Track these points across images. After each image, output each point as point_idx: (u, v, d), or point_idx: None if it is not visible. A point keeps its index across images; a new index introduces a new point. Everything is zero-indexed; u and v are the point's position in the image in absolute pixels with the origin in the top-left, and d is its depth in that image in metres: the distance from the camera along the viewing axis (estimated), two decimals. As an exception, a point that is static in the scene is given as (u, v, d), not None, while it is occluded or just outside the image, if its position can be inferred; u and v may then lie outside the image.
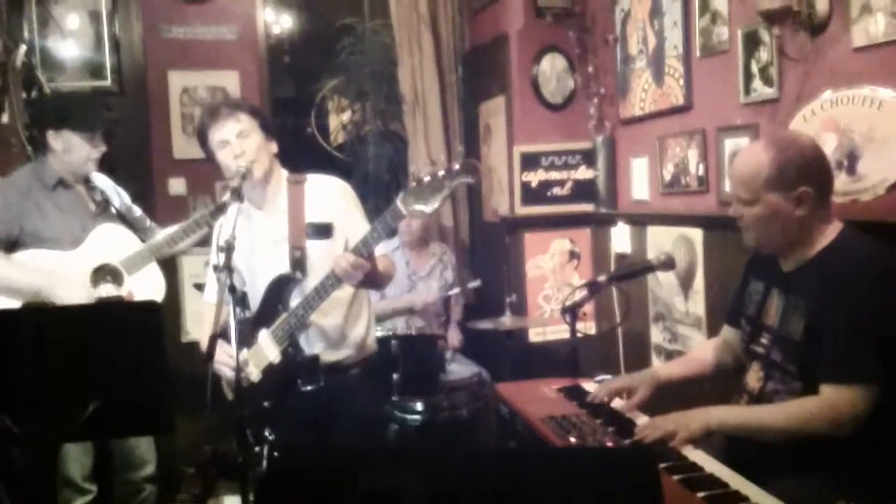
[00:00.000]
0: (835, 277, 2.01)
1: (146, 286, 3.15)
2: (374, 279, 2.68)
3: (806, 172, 2.06)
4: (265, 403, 2.69)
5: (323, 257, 2.65)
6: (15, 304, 2.96)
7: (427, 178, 2.36)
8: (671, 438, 2.04)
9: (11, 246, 3.05)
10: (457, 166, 2.36)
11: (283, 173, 2.80)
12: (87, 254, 3.10)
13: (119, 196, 3.39)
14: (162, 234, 3.27)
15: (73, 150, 3.11)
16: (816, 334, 2.01)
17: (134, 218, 3.40)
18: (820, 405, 1.95)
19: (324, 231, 2.73)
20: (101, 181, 3.33)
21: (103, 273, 3.09)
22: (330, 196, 2.79)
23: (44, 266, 3.02)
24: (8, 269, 2.99)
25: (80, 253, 3.09)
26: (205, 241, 3.19)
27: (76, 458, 3.23)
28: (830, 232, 2.10)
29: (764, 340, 2.19)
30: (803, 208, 2.06)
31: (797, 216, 2.07)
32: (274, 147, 2.76)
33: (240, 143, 2.65)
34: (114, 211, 3.30)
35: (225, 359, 2.54)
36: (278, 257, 2.72)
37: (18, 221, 3.04)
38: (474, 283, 4.50)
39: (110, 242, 3.14)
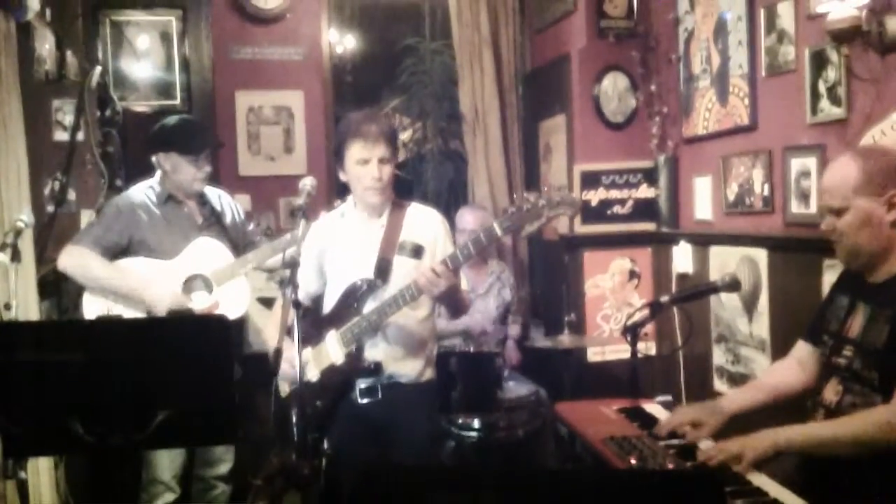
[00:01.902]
0: None
1: (233, 297, 3.33)
2: (453, 296, 2.74)
3: (894, 176, 2.10)
4: (318, 403, 2.74)
5: (406, 275, 2.71)
6: (111, 303, 3.21)
7: (527, 206, 2.45)
8: (736, 462, 2.00)
9: (121, 253, 3.27)
10: (558, 198, 2.42)
11: (391, 195, 2.89)
12: (182, 264, 3.30)
13: (232, 211, 3.56)
14: (253, 251, 3.45)
15: (179, 170, 3.33)
16: None
17: (244, 232, 3.58)
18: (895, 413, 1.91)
19: (415, 251, 2.81)
20: (216, 197, 3.52)
21: (196, 282, 3.29)
22: (427, 223, 2.88)
23: (140, 272, 3.24)
24: (108, 271, 3.22)
25: (176, 262, 3.29)
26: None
27: (167, 456, 3.33)
28: None
29: (846, 352, 2.17)
30: (894, 212, 2.09)
31: (888, 220, 2.09)
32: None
33: (380, 168, 2.76)
34: (226, 224, 3.48)
35: (286, 362, 2.49)
36: (364, 266, 2.80)
37: (128, 231, 3.28)
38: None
39: (204, 254, 3.33)
